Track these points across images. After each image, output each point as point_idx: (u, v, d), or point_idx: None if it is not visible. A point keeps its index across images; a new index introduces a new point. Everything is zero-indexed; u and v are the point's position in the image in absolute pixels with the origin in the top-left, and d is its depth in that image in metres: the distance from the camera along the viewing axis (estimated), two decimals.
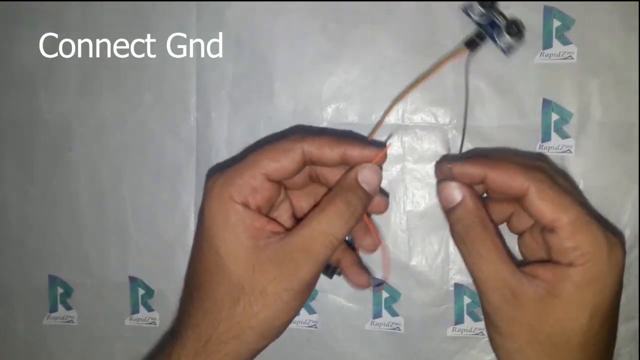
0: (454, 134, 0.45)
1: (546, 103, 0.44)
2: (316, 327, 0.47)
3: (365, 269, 0.42)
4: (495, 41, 0.44)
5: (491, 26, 0.43)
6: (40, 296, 0.50)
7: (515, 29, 0.42)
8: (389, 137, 0.45)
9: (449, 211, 0.35)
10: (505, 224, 0.39)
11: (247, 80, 0.47)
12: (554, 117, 0.44)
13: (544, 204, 0.32)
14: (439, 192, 0.36)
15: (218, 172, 0.35)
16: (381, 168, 0.37)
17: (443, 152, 0.45)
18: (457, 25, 0.45)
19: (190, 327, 0.34)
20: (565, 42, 0.44)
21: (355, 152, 0.35)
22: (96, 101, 0.48)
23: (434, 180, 0.45)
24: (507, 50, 0.44)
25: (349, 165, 0.36)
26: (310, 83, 0.46)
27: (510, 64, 0.44)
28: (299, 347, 0.47)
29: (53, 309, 0.50)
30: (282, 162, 0.35)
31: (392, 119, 0.46)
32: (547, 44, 0.44)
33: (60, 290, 0.49)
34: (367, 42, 0.46)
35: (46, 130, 0.49)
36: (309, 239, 0.33)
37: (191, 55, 0.47)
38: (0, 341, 0.50)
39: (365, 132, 0.46)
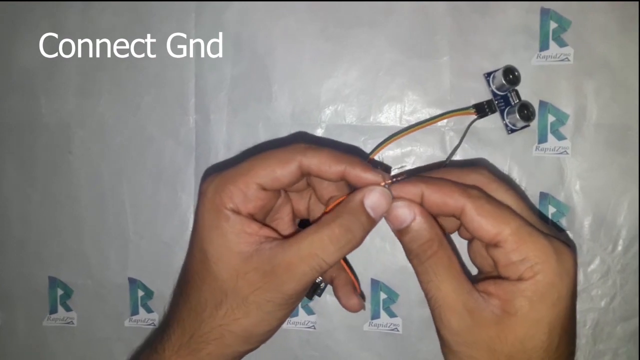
0: (451, 136, 0.45)
1: (542, 105, 0.45)
2: (315, 328, 0.47)
3: (357, 291, 0.40)
4: (502, 116, 0.44)
5: (503, 100, 0.44)
6: (40, 298, 0.50)
7: (527, 113, 0.43)
8: (400, 167, 0.46)
9: (401, 231, 0.33)
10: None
11: (245, 82, 0.47)
12: (551, 118, 0.44)
13: (484, 220, 0.31)
14: (388, 213, 0.33)
15: (214, 173, 0.35)
16: None
17: (440, 153, 0.45)
18: (454, 28, 0.45)
19: (177, 321, 0.35)
20: (561, 44, 0.44)
21: (355, 172, 0.33)
22: (96, 104, 0.49)
23: None
24: (510, 130, 0.45)
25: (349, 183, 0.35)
26: (308, 85, 0.47)
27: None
28: (298, 347, 0.47)
29: (53, 310, 0.50)
30: (277, 173, 0.33)
31: (389, 120, 0.46)
32: (544, 46, 0.45)
33: (60, 292, 0.50)
34: (365, 45, 0.46)
35: (46, 132, 0.49)
36: (298, 258, 0.32)
37: (190, 57, 0.47)
38: (1, 342, 0.50)
39: (363, 134, 0.46)
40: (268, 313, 0.33)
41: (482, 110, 0.44)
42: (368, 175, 0.33)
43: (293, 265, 0.32)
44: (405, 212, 0.32)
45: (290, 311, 0.35)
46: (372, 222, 0.33)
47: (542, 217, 0.44)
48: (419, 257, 0.32)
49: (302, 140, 0.36)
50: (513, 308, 0.30)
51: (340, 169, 0.33)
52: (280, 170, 0.33)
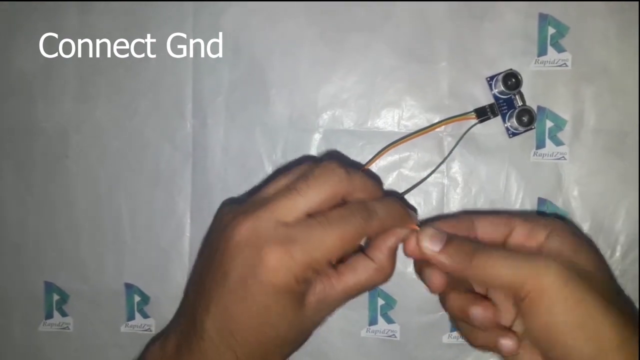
0: (449, 141, 0.45)
1: (540, 110, 0.44)
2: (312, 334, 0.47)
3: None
4: (504, 119, 0.44)
5: (506, 104, 0.44)
6: (36, 303, 0.49)
7: (527, 120, 0.43)
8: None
9: (437, 258, 0.35)
10: None
11: (243, 86, 0.47)
12: (548, 124, 0.44)
13: (494, 223, 0.37)
14: (420, 247, 0.35)
15: (278, 239, 0.33)
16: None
17: (438, 159, 0.45)
18: (452, 33, 0.45)
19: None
20: (559, 49, 0.44)
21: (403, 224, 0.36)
22: (93, 108, 0.49)
23: (429, 187, 0.46)
24: (511, 134, 0.45)
25: None
26: (306, 90, 0.47)
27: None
28: (295, 353, 0.47)
29: (49, 315, 0.49)
30: (349, 250, 0.34)
31: (387, 125, 0.46)
32: (542, 51, 0.45)
33: (56, 297, 0.49)
34: (363, 49, 0.46)
35: (43, 137, 0.49)
36: (347, 293, 0.35)
37: (187, 62, 0.47)
38: None
39: (360, 139, 0.46)
40: (311, 334, 0.37)
41: (483, 114, 0.44)
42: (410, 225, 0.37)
43: (342, 299, 0.35)
44: (438, 234, 0.35)
45: None
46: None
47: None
48: (464, 261, 0.34)
49: (337, 163, 0.35)
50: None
51: (393, 224, 0.36)
52: (352, 245, 0.34)
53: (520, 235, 0.34)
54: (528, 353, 0.34)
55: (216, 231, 0.36)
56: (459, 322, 0.38)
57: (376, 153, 0.45)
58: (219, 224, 0.36)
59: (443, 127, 0.45)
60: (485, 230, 0.35)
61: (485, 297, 0.36)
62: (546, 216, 0.35)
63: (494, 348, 0.35)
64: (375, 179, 0.45)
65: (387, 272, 0.36)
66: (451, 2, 0.45)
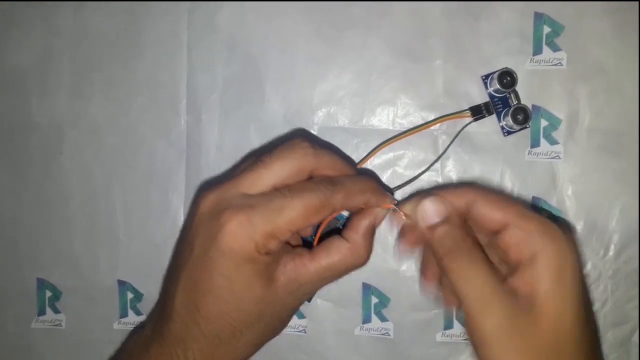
0: (443, 139, 0.45)
1: (535, 109, 0.44)
2: (305, 332, 0.47)
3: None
4: (499, 118, 0.44)
5: (501, 102, 0.44)
6: (28, 299, 0.49)
7: (522, 118, 0.43)
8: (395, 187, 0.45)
9: (430, 229, 0.33)
10: None
11: (238, 83, 0.47)
12: (543, 123, 0.44)
13: (490, 208, 0.33)
14: (418, 210, 0.34)
15: (237, 210, 0.32)
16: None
17: (433, 157, 0.45)
18: (448, 31, 0.45)
19: (198, 351, 0.34)
20: (555, 48, 0.44)
21: (374, 200, 0.36)
22: (87, 105, 0.48)
23: (423, 186, 0.46)
24: (506, 132, 0.45)
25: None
26: (301, 87, 0.47)
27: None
28: (289, 352, 0.47)
29: (41, 312, 0.49)
30: (313, 220, 0.33)
31: (382, 123, 0.46)
32: (537, 50, 0.45)
33: (48, 294, 0.49)
34: (359, 47, 0.46)
35: (38, 133, 0.49)
36: (326, 273, 0.35)
37: (182, 58, 0.47)
38: None
39: (355, 136, 0.46)
40: (291, 317, 0.37)
41: (478, 112, 0.44)
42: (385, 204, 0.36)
43: (315, 281, 0.35)
44: (441, 207, 0.33)
45: None
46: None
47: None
48: (455, 252, 0.32)
49: (304, 139, 0.35)
50: (537, 289, 0.30)
51: (364, 200, 0.35)
52: (316, 218, 0.33)
53: (509, 239, 0.32)
54: None
55: (189, 211, 0.36)
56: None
57: (370, 151, 0.45)
58: (192, 204, 0.36)
59: (438, 125, 0.45)
60: (481, 216, 0.33)
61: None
62: (546, 227, 0.31)
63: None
64: (349, 162, 0.43)
65: (362, 253, 0.35)
66: (447, 1, 0.45)
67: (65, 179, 0.49)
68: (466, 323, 0.32)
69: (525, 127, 0.44)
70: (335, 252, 0.35)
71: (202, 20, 0.47)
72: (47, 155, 0.49)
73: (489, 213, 0.33)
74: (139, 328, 0.40)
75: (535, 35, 0.44)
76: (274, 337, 0.37)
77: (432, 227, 0.33)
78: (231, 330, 0.33)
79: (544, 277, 0.30)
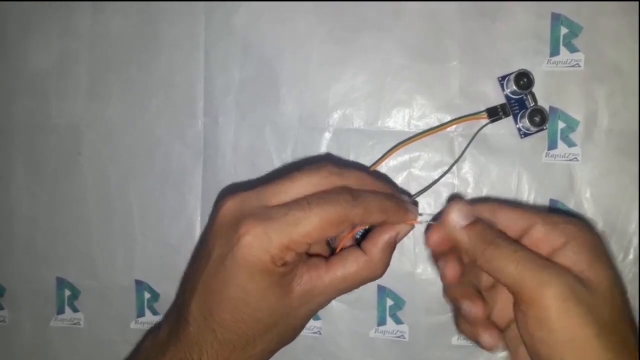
0: (460, 141, 0.45)
1: (553, 111, 0.44)
2: (320, 334, 0.47)
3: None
4: (515, 120, 0.44)
5: (518, 104, 0.44)
6: (47, 298, 0.50)
7: (539, 120, 0.43)
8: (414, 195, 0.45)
9: (468, 227, 0.34)
10: None
11: (254, 85, 0.47)
12: (561, 125, 0.44)
13: (514, 213, 0.34)
14: (448, 218, 0.34)
15: (254, 222, 0.32)
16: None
17: (449, 159, 0.45)
18: (463, 32, 0.45)
19: (213, 356, 0.34)
20: (572, 49, 0.44)
21: (394, 217, 0.35)
22: (105, 106, 0.49)
23: (439, 187, 0.45)
24: (523, 134, 0.44)
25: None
26: (316, 89, 0.47)
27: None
28: (303, 353, 0.47)
29: (60, 311, 0.50)
30: (330, 234, 0.33)
31: (398, 125, 0.46)
32: (555, 52, 0.44)
33: (67, 293, 0.50)
34: (373, 49, 0.46)
35: (56, 134, 0.50)
36: (339, 285, 0.35)
37: (199, 60, 0.48)
38: (8, 342, 0.50)
39: (370, 138, 0.46)
40: (303, 326, 0.37)
41: (495, 114, 0.44)
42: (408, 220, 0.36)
43: (333, 291, 0.35)
44: (468, 208, 0.34)
45: None
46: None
47: None
48: (495, 242, 0.32)
49: (331, 161, 0.36)
50: (580, 265, 0.31)
51: (385, 218, 0.35)
52: (333, 231, 0.33)
53: (537, 235, 0.33)
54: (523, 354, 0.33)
55: (210, 216, 0.36)
56: (453, 307, 0.38)
57: (385, 152, 0.45)
58: (213, 208, 0.36)
59: (454, 127, 0.45)
60: (505, 221, 0.34)
61: (479, 295, 0.36)
62: (569, 219, 0.33)
63: (475, 339, 0.35)
64: (382, 178, 0.44)
65: (378, 266, 0.35)
66: (462, 1, 0.45)
67: (83, 180, 0.50)
68: (518, 310, 0.31)
69: (543, 129, 0.44)
70: (351, 264, 0.35)
71: (219, 22, 0.48)
72: (65, 156, 0.50)
73: (514, 218, 0.34)
74: (154, 328, 0.40)
75: (552, 36, 0.44)
76: (288, 344, 0.37)
77: (460, 231, 0.34)
78: (245, 339, 0.34)
79: (582, 254, 0.31)
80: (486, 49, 0.45)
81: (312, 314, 0.36)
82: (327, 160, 0.36)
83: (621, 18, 0.43)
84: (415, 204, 0.42)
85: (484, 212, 0.35)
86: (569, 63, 0.44)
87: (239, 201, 0.34)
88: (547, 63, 0.44)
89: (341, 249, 0.36)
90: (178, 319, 0.35)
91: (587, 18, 0.44)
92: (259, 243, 0.32)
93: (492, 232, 0.33)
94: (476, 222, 0.34)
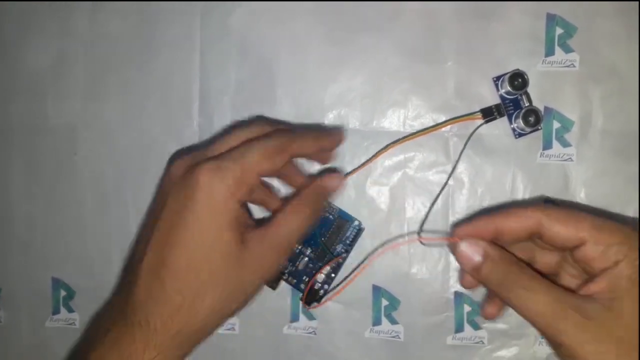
0: (455, 141, 0.45)
1: (547, 111, 0.44)
2: (315, 334, 0.47)
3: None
4: (510, 120, 0.44)
5: (513, 104, 0.44)
6: (43, 298, 0.50)
7: (533, 120, 0.43)
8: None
9: (477, 268, 0.34)
10: None
11: (250, 86, 0.47)
12: (556, 125, 0.44)
13: (562, 226, 0.33)
14: (457, 259, 0.35)
15: (208, 163, 0.35)
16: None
17: (444, 159, 0.45)
18: (459, 33, 0.45)
19: (158, 315, 0.33)
20: (567, 50, 0.44)
21: (327, 142, 0.41)
22: (101, 107, 0.49)
23: (434, 188, 0.45)
24: (518, 134, 0.44)
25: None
26: (312, 89, 0.47)
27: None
28: (299, 353, 0.47)
29: (56, 311, 0.50)
30: (276, 163, 0.36)
31: (393, 125, 0.46)
32: (550, 52, 0.44)
33: (63, 293, 0.50)
34: (370, 49, 0.46)
35: (52, 134, 0.50)
36: (284, 239, 0.37)
37: (195, 61, 0.48)
38: (3, 342, 0.50)
39: (366, 139, 0.46)
40: (255, 291, 0.36)
41: (490, 114, 0.44)
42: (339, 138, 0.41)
43: (282, 244, 0.37)
44: (473, 249, 0.34)
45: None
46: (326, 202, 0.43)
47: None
48: (505, 284, 0.33)
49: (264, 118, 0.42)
50: (617, 289, 0.31)
51: (318, 145, 0.40)
52: (278, 159, 0.36)
53: (590, 253, 0.32)
54: None
55: (160, 179, 0.39)
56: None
57: (378, 150, 0.45)
58: (163, 173, 0.39)
59: (449, 127, 0.45)
60: (553, 234, 0.33)
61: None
62: (622, 234, 0.32)
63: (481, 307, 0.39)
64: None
65: (311, 214, 0.38)
66: (458, 2, 0.45)
67: (79, 180, 0.50)
68: (549, 343, 0.32)
69: (537, 129, 0.44)
70: (292, 216, 0.37)
71: (215, 23, 0.48)
72: (61, 157, 0.50)
73: (562, 231, 0.33)
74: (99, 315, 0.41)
75: (547, 36, 0.44)
76: (235, 312, 0.36)
77: (477, 268, 0.34)
78: (196, 289, 0.34)
79: (624, 278, 0.31)
80: (482, 50, 0.45)
81: (261, 278, 0.36)
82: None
83: (616, 19, 0.44)
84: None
85: (528, 223, 0.34)
86: (564, 63, 0.44)
87: (187, 158, 0.37)
88: (542, 63, 0.44)
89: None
90: (123, 290, 0.35)
91: (582, 19, 0.44)
92: (216, 178, 0.34)
93: (501, 271, 0.33)
94: (486, 258, 0.34)
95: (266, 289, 0.47)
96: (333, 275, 0.45)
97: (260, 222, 0.37)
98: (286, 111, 0.47)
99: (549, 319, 0.31)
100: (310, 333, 0.47)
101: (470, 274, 0.35)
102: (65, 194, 0.50)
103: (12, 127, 0.50)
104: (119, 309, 0.35)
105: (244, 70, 0.47)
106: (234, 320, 0.48)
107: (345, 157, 0.46)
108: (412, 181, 0.46)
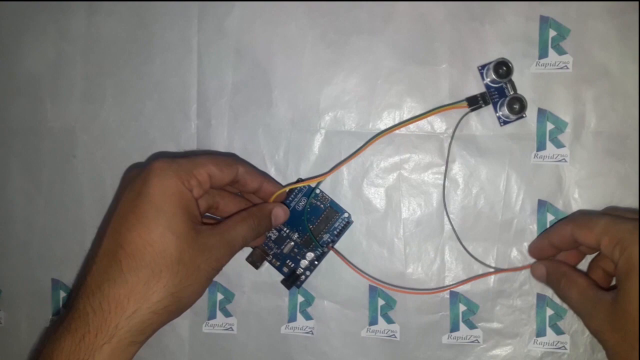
0: (450, 143, 0.45)
1: (541, 112, 0.45)
2: (312, 334, 0.47)
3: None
4: (495, 108, 0.45)
5: (498, 92, 0.44)
6: (43, 299, 0.50)
7: (518, 108, 0.43)
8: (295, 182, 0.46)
9: (546, 281, 0.43)
10: None
11: (246, 88, 0.48)
12: (549, 126, 0.44)
13: (583, 231, 0.39)
14: (532, 273, 0.44)
15: (162, 159, 0.38)
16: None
17: (439, 160, 0.46)
18: (453, 35, 0.45)
19: (113, 297, 0.34)
20: (560, 52, 0.44)
21: (269, 187, 0.44)
22: (100, 109, 0.49)
23: (429, 189, 0.46)
24: (503, 122, 0.45)
25: (259, 196, 0.45)
26: (308, 91, 0.47)
27: None
28: (296, 353, 0.47)
29: (55, 312, 0.50)
30: (223, 171, 0.40)
31: (388, 127, 0.46)
32: (543, 54, 0.45)
33: (62, 294, 0.50)
34: (364, 52, 0.47)
35: (51, 137, 0.50)
36: (233, 237, 0.40)
37: (192, 63, 0.48)
38: (3, 343, 0.51)
39: (361, 140, 0.46)
40: (208, 279, 0.38)
41: (475, 102, 0.45)
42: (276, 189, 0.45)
43: (232, 243, 0.40)
44: (540, 270, 0.43)
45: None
46: (270, 227, 0.45)
47: None
48: (557, 284, 0.42)
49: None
50: (621, 279, 0.36)
51: (260, 181, 0.44)
52: (226, 171, 0.40)
53: (605, 249, 0.38)
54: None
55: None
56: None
57: (366, 141, 0.46)
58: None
59: (444, 129, 0.46)
60: (581, 241, 0.39)
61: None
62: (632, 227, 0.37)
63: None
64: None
65: (255, 224, 0.42)
66: (452, 3, 0.45)
67: (78, 182, 0.50)
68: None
69: (522, 117, 0.44)
70: (242, 224, 0.41)
71: (212, 26, 0.48)
72: (60, 159, 0.50)
73: (581, 236, 0.39)
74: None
75: (541, 38, 0.45)
76: (189, 302, 0.38)
77: (542, 277, 0.44)
78: (152, 266, 0.35)
79: (625, 267, 0.36)
80: (475, 52, 0.45)
81: (212, 272, 0.38)
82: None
83: (609, 21, 0.44)
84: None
85: (565, 234, 0.41)
86: (557, 65, 0.44)
87: (143, 165, 0.40)
88: (536, 65, 0.45)
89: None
90: (79, 285, 0.37)
91: (575, 21, 0.44)
92: (169, 167, 0.37)
93: (553, 270, 0.42)
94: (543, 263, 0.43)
95: (265, 288, 0.47)
96: (316, 262, 0.46)
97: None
98: (283, 113, 0.47)
99: (579, 311, 0.39)
100: (307, 333, 0.47)
101: (539, 280, 0.44)
102: (65, 196, 0.50)
103: (11, 129, 0.51)
104: (71, 302, 0.36)
105: (241, 72, 0.48)
106: (232, 320, 0.48)
107: (341, 158, 0.47)
108: (408, 182, 0.46)
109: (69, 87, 0.50)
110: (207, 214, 0.45)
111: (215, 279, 0.47)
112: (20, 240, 0.51)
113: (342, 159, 0.47)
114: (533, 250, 0.45)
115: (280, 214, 0.44)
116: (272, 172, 0.47)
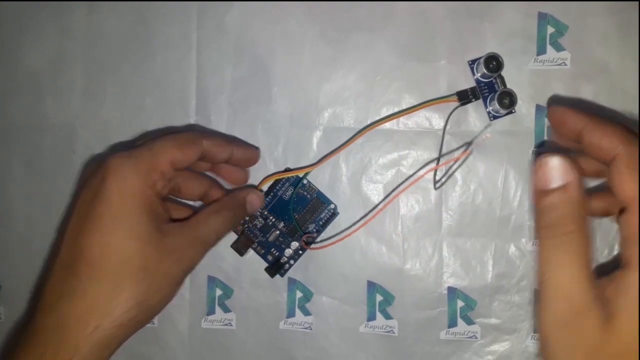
0: (447, 139, 0.46)
1: (539, 109, 0.45)
2: (311, 329, 0.48)
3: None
4: (485, 103, 0.45)
5: (488, 87, 0.45)
6: None
7: (508, 102, 0.43)
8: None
9: (542, 193, 0.29)
10: None
11: (246, 85, 0.48)
12: (547, 123, 0.45)
13: (597, 137, 0.29)
14: (538, 167, 0.29)
15: (120, 153, 0.35)
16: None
17: (437, 156, 0.46)
18: (453, 31, 0.46)
19: (72, 312, 0.32)
20: (559, 48, 0.45)
21: (240, 152, 0.42)
22: (99, 105, 0.50)
23: (427, 184, 0.46)
24: (493, 117, 0.45)
25: (232, 164, 0.43)
26: (307, 88, 0.47)
27: (504, 71, 0.44)
28: (294, 348, 0.48)
29: None
30: (186, 152, 0.37)
31: (387, 123, 0.46)
32: (541, 50, 0.45)
33: None
34: (364, 48, 0.47)
35: (51, 133, 0.50)
36: (206, 234, 0.37)
37: (192, 60, 0.48)
38: (3, 339, 0.51)
39: (360, 136, 0.46)
40: (178, 284, 0.36)
41: (465, 97, 0.45)
42: (249, 153, 0.44)
43: (205, 239, 0.37)
44: (558, 174, 0.28)
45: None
46: (246, 214, 0.43)
47: None
48: (552, 229, 0.28)
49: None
50: (617, 306, 0.27)
51: (230, 150, 0.41)
52: (189, 150, 0.38)
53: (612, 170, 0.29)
54: None
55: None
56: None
57: (355, 133, 0.46)
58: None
59: (442, 125, 0.46)
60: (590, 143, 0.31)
61: None
62: None
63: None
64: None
65: (230, 215, 0.40)
66: (451, 1, 0.45)
67: (78, 178, 0.50)
68: (537, 313, 0.29)
69: (512, 112, 0.44)
70: (214, 218, 0.39)
71: (211, 22, 0.48)
72: (60, 155, 0.50)
73: (597, 142, 0.30)
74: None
75: (539, 35, 0.45)
76: (161, 306, 0.35)
77: (545, 192, 0.28)
78: (113, 276, 0.32)
79: (631, 289, 0.27)
80: (474, 49, 0.45)
81: (182, 275, 0.36)
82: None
83: (607, 17, 0.44)
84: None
85: (578, 123, 0.31)
86: (556, 62, 0.45)
87: (102, 157, 0.36)
88: (534, 62, 0.45)
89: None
90: (36, 297, 0.35)
91: (574, 17, 0.44)
92: (127, 165, 0.34)
93: (562, 217, 0.28)
94: (563, 190, 0.28)
95: (263, 284, 0.48)
96: (301, 252, 0.47)
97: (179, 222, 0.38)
98: (282, 110, 0.47)
99: (549, 291, 0.28)
100: (306, 328, 0.48)
101: (535, 193, 0.30)
102: (65, 192, 0.50)
103: (11, 126, 0.51)
104: (28, 317, 0.34)
105: (240, 69, 0.48)
106: (231, 316, 0.48)
107: (341, 155, 0.47)
108: (406, 179, 0.46)
109: (70, 84, 0.50)
110: (170, 196, 0.42)
111: (215, 274, 0.48)
112: (20, 237, 0.51)
113: (340, 155, 0.47)
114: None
115: (254, 200, 0.42)
116: (271, 168, 0.48)
